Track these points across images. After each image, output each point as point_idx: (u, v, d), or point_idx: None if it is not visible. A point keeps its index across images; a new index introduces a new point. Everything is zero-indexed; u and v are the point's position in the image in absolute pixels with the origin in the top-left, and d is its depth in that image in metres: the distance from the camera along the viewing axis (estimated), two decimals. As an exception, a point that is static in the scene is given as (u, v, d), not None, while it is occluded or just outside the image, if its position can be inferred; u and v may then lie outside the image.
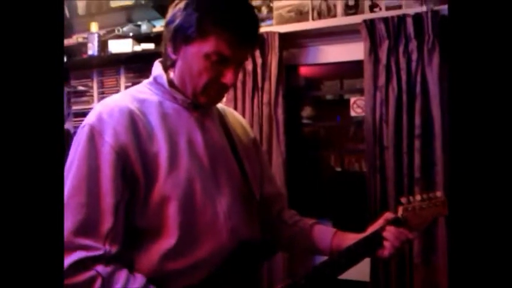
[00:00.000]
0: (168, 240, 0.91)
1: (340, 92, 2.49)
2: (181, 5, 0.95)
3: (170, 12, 0.99)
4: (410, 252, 1.90)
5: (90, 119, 0.92)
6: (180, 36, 0.94)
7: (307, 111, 2.57)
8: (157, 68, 1.04)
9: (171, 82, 1.01)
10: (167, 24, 0.98)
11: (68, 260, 0.82)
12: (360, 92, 2.27)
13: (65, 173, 0.89)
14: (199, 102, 1.00)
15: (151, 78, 1.05)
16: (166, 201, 0.91)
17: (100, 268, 0.83)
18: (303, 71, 2.50)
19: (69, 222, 0.84)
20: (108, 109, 0.93)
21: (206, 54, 0.93)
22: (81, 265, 0.82)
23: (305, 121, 2.55)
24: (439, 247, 1.87)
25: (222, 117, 1.13)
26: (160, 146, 0.92)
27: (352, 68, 2.30)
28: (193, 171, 0.94)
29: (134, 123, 0.92)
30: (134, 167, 0.89)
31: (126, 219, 0.89)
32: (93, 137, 0.89)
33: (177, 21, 0.94)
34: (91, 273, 0.83)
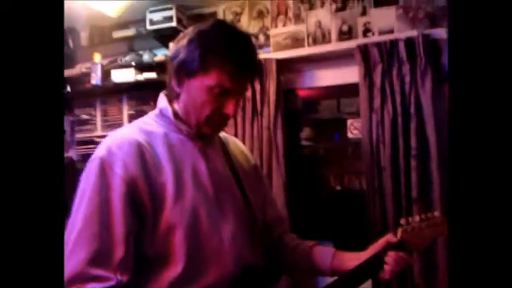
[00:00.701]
0: (175, 268, 0.94)
1: (338, 114, 2.55)
2: (184, 41, 1.00)
3: (173, 48, 1.04)
4: (411, 271, 1.92)
5: (100, 151, 0.96)
6: (184, 70, 1.00)
7: (305, 132, 2.62)
8: (162, 100, 1.09)
9: (175, 114, 1.06)
10: (171, 59, 1.03)
11: None
12: (357, 113, 2.33)
13: (76, 204, 0.92)
14: (203, 132, 1.05)
15: (157, 111, 1.09)
16: (172, 230, 0.94)
17: None
18: (301, 92, 2.56)
19: (83, 253, 0.87)
20: (117, 142, 0.97)
21: (209, 87, 0.98)
22: None
23: (304, 143, 2.60)
24: (439, 266, 1.90)
25: (224, 146, 1.17)
26: (167, 176, 0.96)
27: (348, 88, 2.36)
28: (198, 199, 0.98)
29: (142, 155, 0.96)
30: (143, 197, 0.93)
31: (135, 248, 0.92)
32: (104, 169, 0.92)
33: (181, 56, 0.99)
34: None
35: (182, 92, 1.03)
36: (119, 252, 0.88)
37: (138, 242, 0.92)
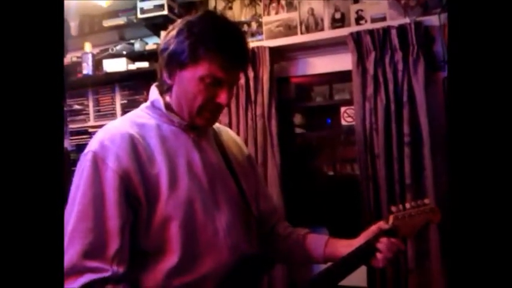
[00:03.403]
0: (171, 259, 0.95)
1: (330, 101, 2.54)
2: (174, 32, 1.00)
3: (163, 40, 1.03)
4: (405, 258, 1.95)
5: (92, 146, 0.96)
6: (174, 62, 0.99)
7: (298, 119, 2.62)
8: (154, 92, 1.08)
9: (167, 106, 1.05)
10: (161, 52, 1.02)
11: (78, 282, 0.85)
12: (349, 101, 2.34)
13: (71, 199, 0.92)
14: (196, 123, 1.04)
15: (148, 103, 1.08)
16: (168, 221, 0.94)
17: None
18: (293, 79, 2.55)
19: (78, 246, 0.87)
20: (110, 135, 0.97)
21: (200, 77, 0.97)
22: (90, 284, 0.86)
23: (298, 130, 2.60)
24: (432, 252, 1.93)
25: (217, 136, 1.17)
26: (161, 169, 0.96)
27: (340, 75, 2.37)
28: (192, 191, 0.98)
29: (135, 147, 0.96)
30: (137, 190, 0.93)
31: (131, 240, 0.92)
32: (97, 163, 0.92)
33: (171, 48, 0.99)
34: None
35: (174, 84, 1.03)
36: (114, 244, 0.89)
37: (133, 234, 0.93)
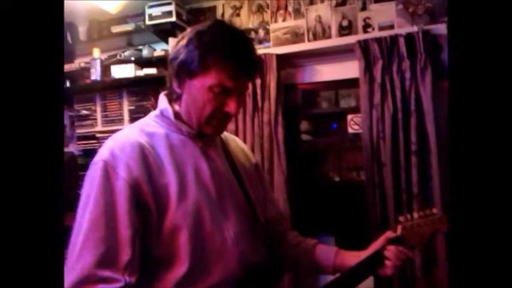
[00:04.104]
0: (181, 268, 0.95)
1: (337, 108, 2.54)
2: (183, 42, 1.00)
3: (173, 49, 1.03)
4: (412, 265, 1.94)
5: (102, 154, 0.96)
6: (184, 71, 0.99)
7: (304, 126, 2.62)
8: (163, 101, 1.09)
9: (176, 114, 1.06)
10: (171, 61, 1.03)
11: None
12: (356, 108, 2.33)
13: (81, 208, 0.93)
14: (204, 132, 1.05)
15: (157, 111, 1.09)
16: (177, 231, 0.95)
17: None
18: (300, 85, 2.55)
19: (90, 256, 0.87)
20: (120, 144, 0.97)
21: (209, 86, 0.98)
22: None
23: (304, 137, 2.60)
24: (439, 260, 1.91)
25: (224, 145, 1.17)
26: (170, 178, 0.97)
27: (347, 82, 2.37)
28: (201, 200, 0.99)
29: (145, 156, 0.96)
30: (147, 199, 0.93)
31: (141, 249, 0.93)
32: (108, 172, 0.93)
33: (180, 57, 0.99)
34: None
35: (183, 93, 1.03)
36: (126, 254, 0.89)
37: (143, 243, 0.93)
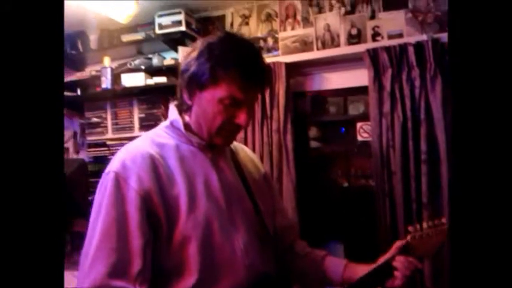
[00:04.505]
0: (190, 278, 0.95)
1: (346, 116, 2.53)
2: (194, 54, 1.02)
3: (184, 61, 1.05)
4: (422, 276, 1.92)
5: (114, 166, 0.97)
6: (195, 83, 1.01)
7: (313, 132, 2.62)
8: (173, 112, 1.10)
9: (186, 126, 1.07)
10: (182, 73, 1.04)
11: None
12: (364, 115, 2.33)
13: (93, 218, 0.94)
14: (215, 143, 1.06)
15: (168, 122, 1.10)
16: (186, 242, 0.96)
17: None
18: (308, 93, 2.55)
19: (102, 265, 0.89)
20: (131, 155, 0.98)
21: (220, 99, 0.99)
22: None
23: (313, 143, 2.59)
24: (447, 270, 1.89)
25: (233, 155, 1.18)
26: (180, 189, 0.98)
27: (356, 90, 2.37)
28: (210, 211, 1.00)
29: (155, 167, 0.97)
30: (157, 210, 0.94)
31: (152, 260, 0.94)
32: (119, 183, 0.94)
33: (191, 70, 1.01)
34: None
35: (194, 104, 1.04)
36: (137, 264, 0.91)
37: (154, 253, 0.94)
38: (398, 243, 1.13)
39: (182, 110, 1.09)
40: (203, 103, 1.02)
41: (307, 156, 2.54)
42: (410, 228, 1.13)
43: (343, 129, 2.58)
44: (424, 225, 1.13)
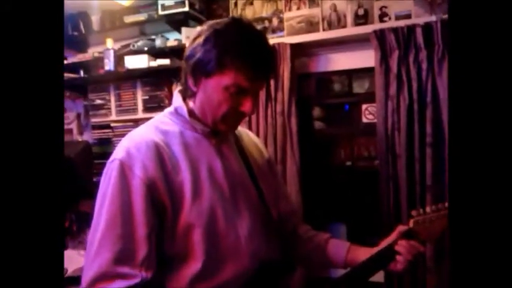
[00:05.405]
0: (195, 265, 0.97)
1: (351, 98, 2.50)
2: (200, 40, 1.00)
3: (189, 47, 1.03)
4: (424, 259, 1.94)
5: (118, 154, 0.97)
6: (200, 70, 1.00)
7: (317, 112, 2.59)
8: (177, 98, 1.09)
9: (190, 112, 1.06)
10: (187, 59, 1.03)
11: None
12: (369, 94, 2.30)
13: (98, 206, 0.95)
14: (219, 129, 1.06)
15: (172, 109, 1.10)
16: (191, 229, 0.97)
17: None
18: (314, 72, 2.52)
19: (108, 253, 0.90)
20: (136, 143, 0.98)
21: (225, 86, 0.98)
22: None
23: (317, 124, 2.57)
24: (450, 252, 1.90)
25: (238, 141, 1.18)
26: (184, 176, 0.98)
27: (361, 70, 2.34)
28: (214, 198, 1.00)
29: (160, 155, 0.98)
30: (162, 198, 0.95)
31: (157, 246, 0.95)
32: (124, 171, 0.94)
33: (197, 56, 0.99)
34: None
35: (198, 91, 1.03)
36: (142, 251, 0.92)
37: (159, 240, 0.95)
38: (400, 228, 1.13)
39: (186, 96, 1.08)
40: (208, 90, 1.01)
41: (312, 138, 2.53)
42: (413, 213, 1.13)
43: (347, 107, 2.54)
44: (427, 209, 1.13)
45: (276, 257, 1.10)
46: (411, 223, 1.12)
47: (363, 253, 1.13)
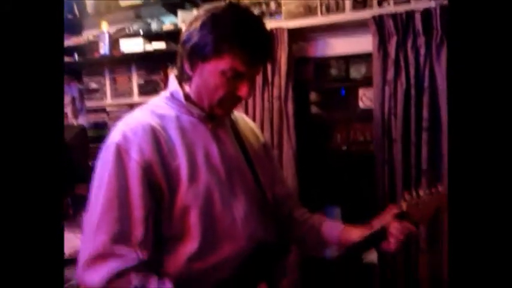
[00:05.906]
0: (192, 244, 0.98)
1: (348, 83, 2.48)
2: (197, 25, 0.99)
3: (186, 31, 1.03)
4: (417, 239, 1.96)
5: (115, 137, 0.97)
6: (197, 54, 0.99)
7: (314, 96, 2.58)
8: (173, 83, 1.09)
9: (186, 96, 1.06)
10: (183, 43, 1.02)
11: (106, 267, 0.89)
12: (366, 79, 2.29)
13: (95, 190, 0.95)
14: (215, 113, 1.06)
15: (167, 93, 1.09)
16: (187, 211, 0.98)
17: (133, 276, 0.91)
18: (311, 56, 2.49)
19: (105, 234, 0.91)
20: (132, 127, 0.98)
21: (222, 71, 0.98)
22: (116, 273, 0.90)
23: (313, 108, 2.57)
24: (444, 233, 1.93)
25: (234, 125, 1.18)
26: (181, 160, 0.99)
27: (360, 55, 2.32)
28: (211, 182, 1.01)
29: (156, 139, 0.98)
30: (159, 181, 0.95)
31: (154, 227, 0.96)
32: (121, 155, 0.94)
33: (194, 40, 0.99)
34: (125, 282, 0.90)
35: (195, 76, 1.03)
36: (139, 232, 0.93)
37: (156, 222, 0.96)
38: (394, 210, 1.14)
39: (182, 80, 1.08)
40: (205, 74, 1.01)
41: (308, 123, 2.53)
42: (406, 196, 1.14)
43: (344, 92, 2.53)
44: (421, 192, 1.14)
45: (271, 239, 1.12)
46: (404, 205, 1.13)
47: (356, 233, 1.14)
